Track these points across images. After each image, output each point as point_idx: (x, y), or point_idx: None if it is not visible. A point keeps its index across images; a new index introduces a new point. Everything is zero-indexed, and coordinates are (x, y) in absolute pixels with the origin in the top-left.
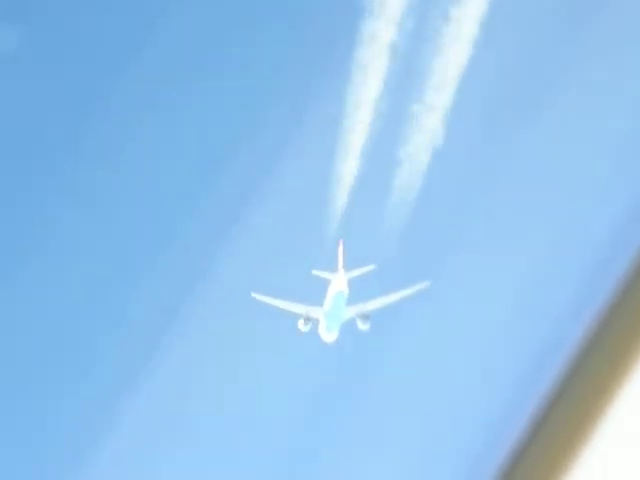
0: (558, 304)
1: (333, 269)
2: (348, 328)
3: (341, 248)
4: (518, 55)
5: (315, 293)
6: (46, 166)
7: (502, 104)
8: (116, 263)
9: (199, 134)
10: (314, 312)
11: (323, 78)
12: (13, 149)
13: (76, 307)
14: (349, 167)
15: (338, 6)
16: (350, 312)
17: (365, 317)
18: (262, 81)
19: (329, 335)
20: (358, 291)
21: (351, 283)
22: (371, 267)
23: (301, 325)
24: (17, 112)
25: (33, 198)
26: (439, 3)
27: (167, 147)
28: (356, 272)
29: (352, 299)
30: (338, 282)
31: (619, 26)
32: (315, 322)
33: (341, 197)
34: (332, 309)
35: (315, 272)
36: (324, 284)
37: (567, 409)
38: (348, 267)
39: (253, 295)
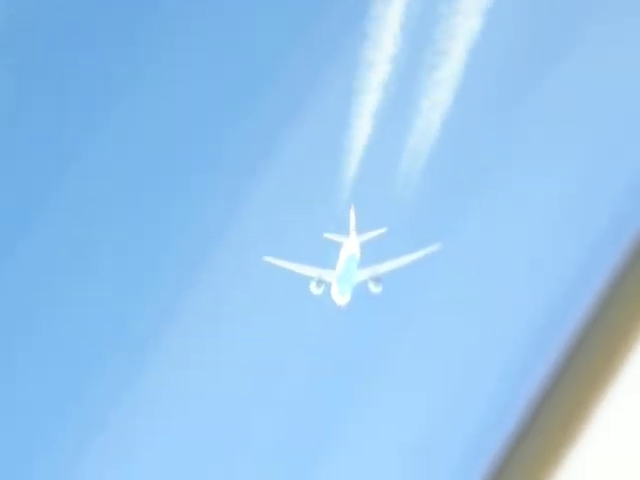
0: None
1: (345, 233)
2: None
3: (353, 212)
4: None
5: (328, 256)
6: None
7: (517, 58)
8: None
9: (209, 90)
10: (327, 275)
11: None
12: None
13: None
14: (361, 132)
15: None
16: (362, 275)
17: (377, 280)
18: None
19: (342, 298)
20: (370, 255)
21: (363, 247)
22: (383, 230)
23: (314, 288)
24: None
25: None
26: None
27: (176, 101)
28: (367, 235)
29: (364, 262)
30: (350, 245)
31: None
32: (327, 285)
33: (353, 162)
34: (344, 272)
35: (327, 235)
36: (337, 248)
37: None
38: (360, 231)
39: (265, 259)
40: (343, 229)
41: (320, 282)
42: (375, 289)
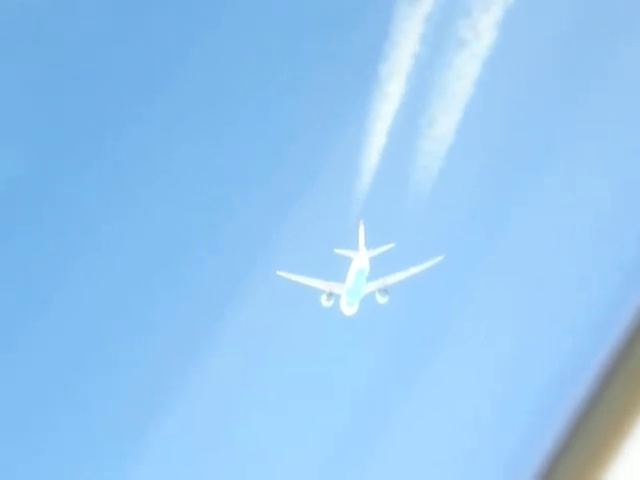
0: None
1: (355, 248)
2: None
3: (362, 228)
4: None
5: (339, 271)
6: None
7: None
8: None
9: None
10: (337, 288)
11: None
12: None
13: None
14: (372, 151)
15: None
16: (370, 287)
17: (384, 291)
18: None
19: (350, 309)
20: (378, 267)
21: (372, 260)
22: (391, 245)
23: (324, 300)
24: None
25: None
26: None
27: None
28: (377, 251)
29: (372, 275)
30: (360, 260)
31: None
32: (337, 297)
33: (364, 181)
34: (353, 285)
35: (337, 251)
36: (347, 262)
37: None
38: (369, 246)
39: (278, 273)
40: (354, 244)
41: (330, 295)
42: (382, 300)
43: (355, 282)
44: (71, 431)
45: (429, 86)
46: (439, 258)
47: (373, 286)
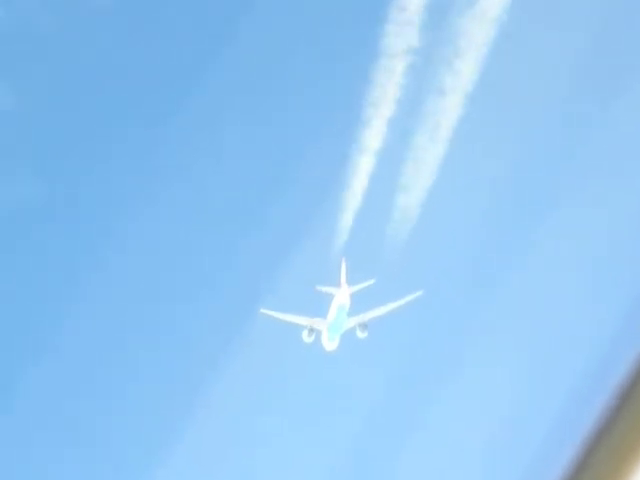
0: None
1: (337, 284)
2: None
3: (344, 265)
4: None
5: (320, 306)
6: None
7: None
8: None
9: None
10: (318, 324)
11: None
12: None
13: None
14: (354, 193)
15: None
16: (351, 322)
17: (364, 326)
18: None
19: (331, 344)
20: (358, 302)
21: (352, 296)
22: (371, 281)
23: (305, 336)
24: None
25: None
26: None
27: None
28: (357, 287)
29: (352, 310)
30: (341, 296)
31: None
32: (318, 333)
33: (345, 220)
34: (335, 320)
35: (319, 288)
36: (329, 298)
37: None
38: (350, 282)
39: (262, 310)
40: (335, 280)
41: (312, 331)
42: (362, 334)
43: (336, 317)
44: None
45: (412, 125)
46: (418, 293)
47: (354, 321)
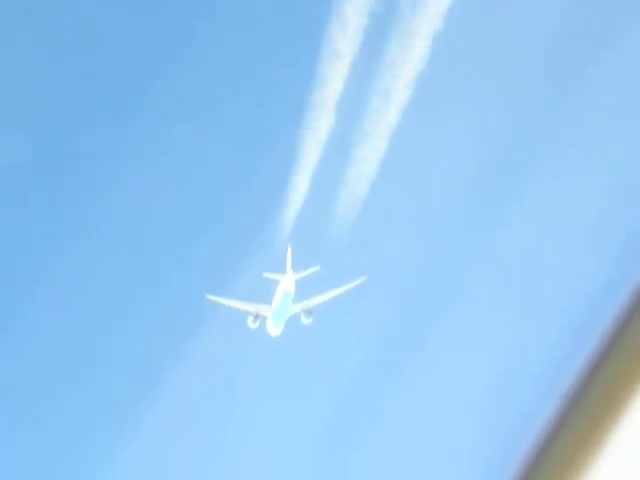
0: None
1: (283, 271)
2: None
3: (290, 252)
4: None
5: (266, 293)
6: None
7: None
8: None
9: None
10: (263, 310)
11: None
12: None
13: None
14: (300, 181)
15: None
16: (295, 309)
17: (308, 312)
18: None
19: (275, 330)
20: (303, 288)
21: (299, 283)
22: (316, 268)
23: (250, 322)
24: None
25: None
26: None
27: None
28: (303, 273)
29: (299, 297)
30: (286, 282)
31: None
32: (263, 319)
33: (293, 207)
34: (279, 307)
35: (266, 274)
36: (274, 284)
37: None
38: (296, 269)
39: (208, 297)
40: (282, 268)
41: (256, 317)
42: (306, 321)
43: (281, 304)
44: None
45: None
46: (362, 279)
47: (298, 307)
